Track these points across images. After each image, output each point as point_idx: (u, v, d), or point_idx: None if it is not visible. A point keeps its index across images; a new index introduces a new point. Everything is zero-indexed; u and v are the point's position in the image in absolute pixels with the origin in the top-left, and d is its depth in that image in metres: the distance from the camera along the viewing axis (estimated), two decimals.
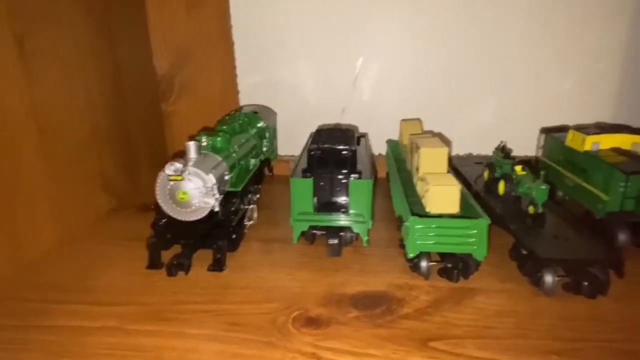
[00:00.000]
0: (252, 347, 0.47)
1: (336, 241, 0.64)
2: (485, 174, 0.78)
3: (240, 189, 0.68)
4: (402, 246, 0.63)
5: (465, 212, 0.61)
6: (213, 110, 0.94)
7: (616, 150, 0.70)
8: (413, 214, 0.59)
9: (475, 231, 0.56)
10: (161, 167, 0.58)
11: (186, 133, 0.80)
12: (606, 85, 0.93)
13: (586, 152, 0.71)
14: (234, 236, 0.65)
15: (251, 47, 0.97)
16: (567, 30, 0.90)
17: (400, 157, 0.86)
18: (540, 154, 0.86)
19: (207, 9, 0.94)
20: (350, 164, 0.66)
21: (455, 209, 0.61)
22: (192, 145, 0.60)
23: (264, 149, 0.89)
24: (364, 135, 0.94)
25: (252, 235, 0.72)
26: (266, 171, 0.94)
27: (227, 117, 0.83)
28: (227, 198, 0.65)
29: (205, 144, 0.66)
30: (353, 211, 0.66)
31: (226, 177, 0.65)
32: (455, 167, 0.86)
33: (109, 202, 0.82)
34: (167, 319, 0.51)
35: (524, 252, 0.59)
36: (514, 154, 0.87)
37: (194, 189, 0.58)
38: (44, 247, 0.65)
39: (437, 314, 0.52)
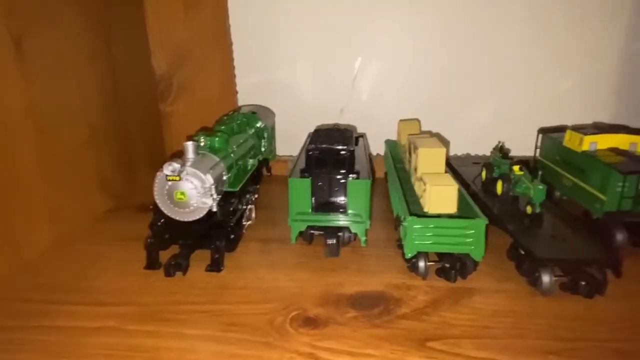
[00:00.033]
0: (249, 347, 0.47)
1: (334, 241, 0.64)
2: (483, 174, 0.78)
3: (238, 189, 0.67)
4: (400, 246, 0.63)
5: (463, 212, 0.61)
6: (211, 111, 0.94)
7: (614, 151, 0.70)
8: (411, 214, 0.59)
9: (473, 231, 0.56)
10: (159, 167, 0.58)
11: (184, 133, 0.80)
12: (605, 85, 0.93)
13: (584, 152, 0.71)
14: (232, 236, 0.65)
15: (250, 47, 0.97)
16: (566, 31, 0.90)
17: (398, 157, 0.87)
18: (538, 154, 0.86)
19: (206, 9, 0.93)
20: (348, 164, 0.66)
21: (453, 209, 0.61)
22: (190, 145, 0.60)
23: (263, 149, 0.89)
24: (362, 136, 0.94)
25: (250, 236, 0.72)
26: (264, 171, 0.94)
27: (225, 117, 0.83)
28: (225, 198, 0.65)
29: (203, 144, 0.65)
30: (351, 211, 0.66)
31: (224, 178, 0.65)
32: (454, 167, 0.86)
33: (106, 202, 0.82)
34: (165, 319, 0.51)
35: (522, 252, 0.59)
36: (513, 154, 0.87)
37: (191, 189, 0.58)
38: (41, 247, 0.65)
39: (434, 314, 0.52)
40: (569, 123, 0.84)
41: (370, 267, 0.62)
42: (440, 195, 0.61)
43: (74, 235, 0.71)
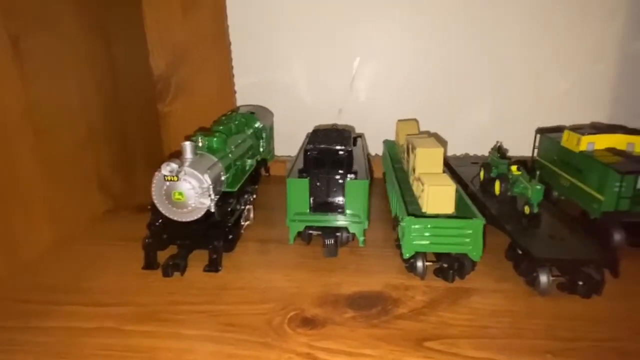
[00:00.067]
0: (247, 347, 0.47)
1: (332, 241, 0.64)
2: (482, 174, 0.78)
3: (236, 189, 0.67)
4: (398, 246, 0.63)
5: (461, 212, 0.61)
6: (209, 111, 0.94)
7: (611, 151, 0.70)
8: (409, 214, 0.59)
9: (471, 231, 0.57)
10: (157, 167, 0.58)
11: (182, 133, 0.80)
12: (604, 85, 0.94)
13: (581, 152, 0.71)
14: (230, 237, 0.65)
15: (248, 48, 0.97)
16: (566, 31, 0.90)
17: (396, 157, 0.87)
18: (536, 154, 0.86)
19: (204, 10, 0.93)
20: (346, 164, 0.66)
21: (451, 209, 0.62)
22: (188, 145, 0.60)
23: (261, 149, 0.89)
24: (360, 136, 0.94)
25: (249, 236, 0.72)
26: (263, 171, 0.94)
27: (223, 118, 0.83)
28: (224, 198, 0.65)
29: (201, 144, 0.66)
30: (349, 211, 0.66)
31: (222, 178, 0.65)
32: (452, 167, 0.86)
33: (105, 202, 0.82)
34: (163, 319, 0.51)
35: (520, 252, 0.59)
36: (512, 154, 0.87)
37: (189, 190, 0.58)
38: (39, 248, 0.65)
39: (432, 314, 0.52)
40: (568, 123, 0.84)
41: (369, 268, 0.62)
42: (438, 195, 0.61)
43: (72, 236, 0.71)
